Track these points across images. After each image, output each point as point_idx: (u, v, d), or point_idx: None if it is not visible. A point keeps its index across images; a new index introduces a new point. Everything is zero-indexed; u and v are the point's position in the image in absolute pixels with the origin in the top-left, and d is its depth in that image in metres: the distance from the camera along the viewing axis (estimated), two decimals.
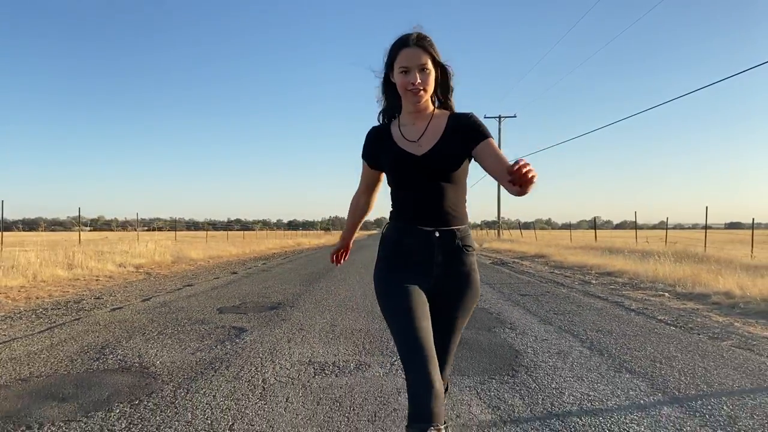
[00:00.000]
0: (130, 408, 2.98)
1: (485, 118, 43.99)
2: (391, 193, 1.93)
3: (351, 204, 2.15)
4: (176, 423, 2.76)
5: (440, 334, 1.84)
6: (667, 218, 22.43)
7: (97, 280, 10.64)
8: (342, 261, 2.25)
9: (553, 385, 3.42)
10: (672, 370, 3.82)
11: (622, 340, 4.84)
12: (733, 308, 7.00)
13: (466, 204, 1.90)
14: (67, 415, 2.86)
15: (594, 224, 25.99)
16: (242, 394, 3.21)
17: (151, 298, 7.57)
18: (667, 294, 8.45)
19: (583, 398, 3.18)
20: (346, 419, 2.82)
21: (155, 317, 5.92)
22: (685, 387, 3.41)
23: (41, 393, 3.24)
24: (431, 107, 1.88)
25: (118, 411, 2.93)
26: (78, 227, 20.08)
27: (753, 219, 17.19)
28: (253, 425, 2.73)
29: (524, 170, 1.38)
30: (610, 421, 2.80)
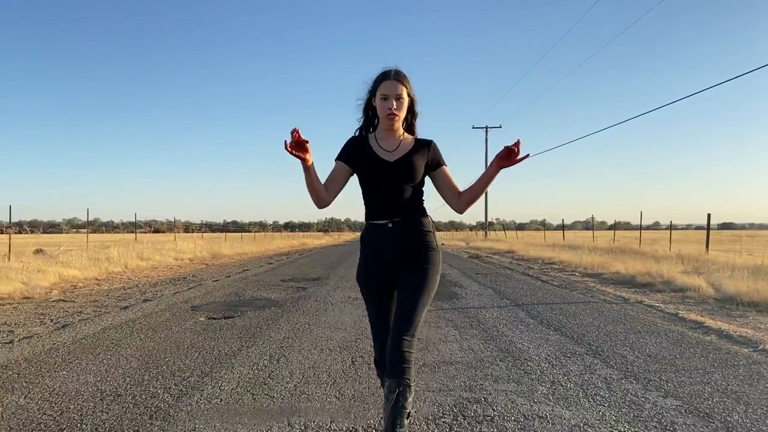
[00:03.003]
0: (277, 307, 6.82)
1: (473, 128, 47.66)
2: (363, 197, 2.32)
3: None
4: (304, 307, 6.60)
5: (406, 306, 2.19)
6: (615, 220, 26.51)
7: (170, 268, 14.43)
8: (291, 143, 2.01)
9: (465, 302, 7.30)
10: (529, 297, 7.70)
11: (518, 290, 8.72)
12: (610, 280, 10.87)
13: (423, 202, 2.33)
14: (253, 309, 6.68)
15: (563, 226, 30.05)
16: (323, 305, 7.05)
17: (230, 276, 11.41)
18: (578, 273, 12.32)
19: (477, 305, 7.04)
20: None
21: (246, 284, 9.75)
22: (527, 302, 7.28)
23: (230, 305, 7.07)
24: (401, 130, 2.32)
25: (273, 308, 6.76)
26: (134, 230, 23.82)
27: (671, 222, 21.17)
28: (331, 316, 6.55)
29: (518, 150, 2.14)
30: (483, 310, 6.64)
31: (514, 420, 2.82)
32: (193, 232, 34.54)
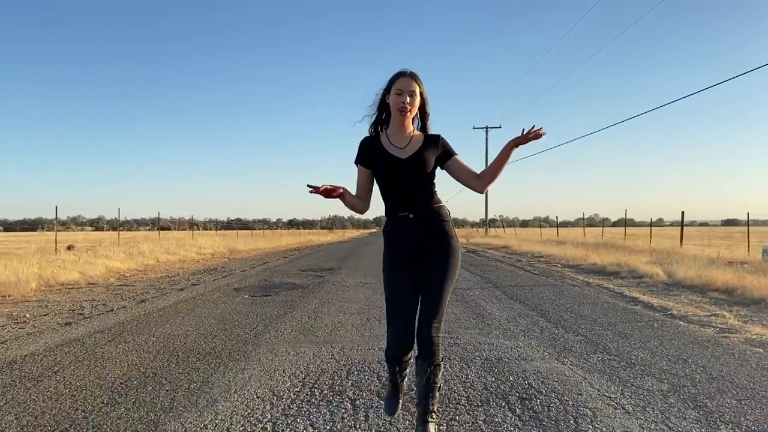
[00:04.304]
0: (303, 289, 8.48)
1: (474, 128, 49.24)
2: (381, 192, 2.49)
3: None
4: (325, 289, 8.26)
5: (432, 295, 2.36)
6: (605, 218, 27.98)
7: (197, 261, 16.11)
8: (323, 190, 2.31)
9: (455, 285, 8.92)
10: (509, 282, 9.34)
11: (501, 277, 10.36)
12: (584, 269, 12.48)
13: (436, 193, 2.47)
14: (284, 290, 8.34)
15: (557, 223, 31.63)
16: (339, 288, 8.71)
17: (254, 267, 13.09)
18: (559, 265, 13.93)
19: (464, 287, 8.68)
20: (379, 295, 8.29)
21: (271, 273, 11.41)
22: (505, 285, 8.92)
23: (264, 287, 8.73)
24: (412, 128, 2.48)
25: (299, 290, 8.42)
26: (158, 228, 25.51)
27: (651, 218, 22.80)
28: (348, 294, 8.20)
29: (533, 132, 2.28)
30: (468, 291, 8.28)
31: (472, 345, 4.47)
32: (199, 229, 36.25)
